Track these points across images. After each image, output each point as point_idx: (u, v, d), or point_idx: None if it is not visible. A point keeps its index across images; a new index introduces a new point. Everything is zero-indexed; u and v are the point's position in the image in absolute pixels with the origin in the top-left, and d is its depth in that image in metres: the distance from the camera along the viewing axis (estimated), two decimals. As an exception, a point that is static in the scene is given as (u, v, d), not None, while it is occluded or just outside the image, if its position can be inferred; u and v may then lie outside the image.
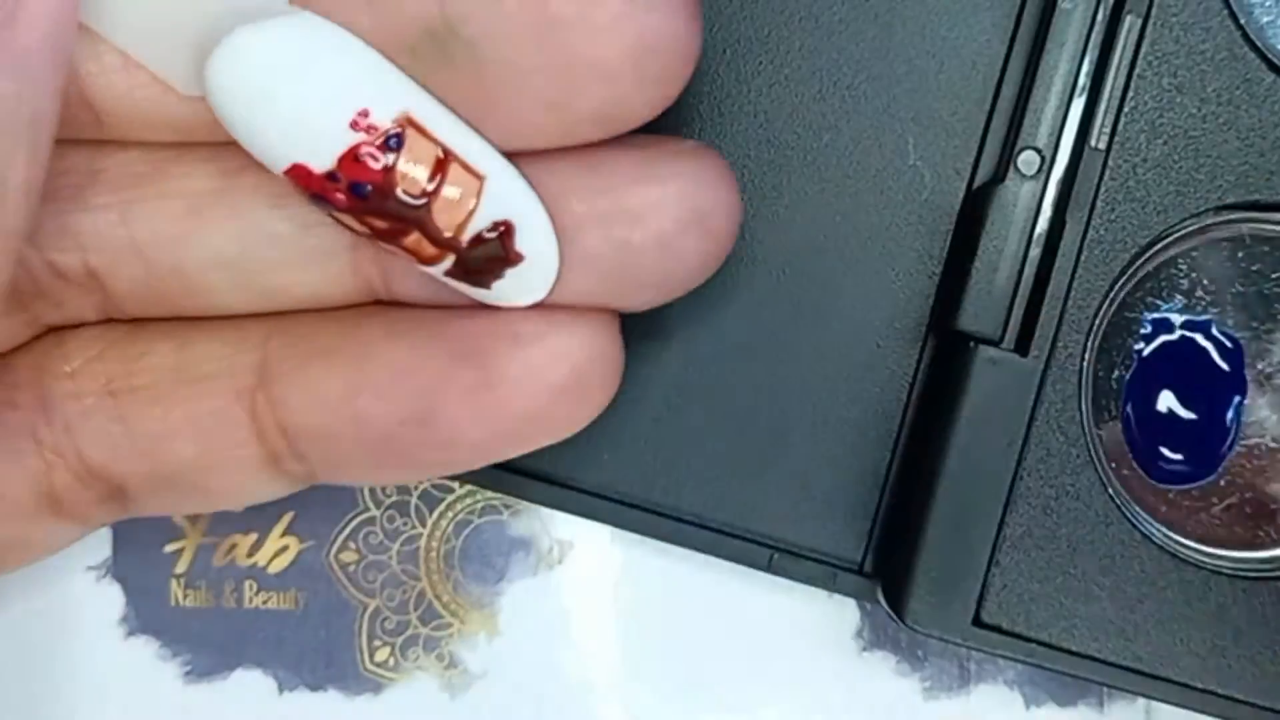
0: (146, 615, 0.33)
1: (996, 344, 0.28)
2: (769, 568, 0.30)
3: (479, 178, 0.23)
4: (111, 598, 0.33)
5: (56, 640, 0.32)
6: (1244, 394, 0.29)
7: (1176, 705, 0.29)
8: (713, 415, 0.30)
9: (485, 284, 0.24)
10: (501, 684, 0.33)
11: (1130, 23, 0.28)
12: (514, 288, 0.24)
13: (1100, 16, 0.28)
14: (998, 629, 0.28)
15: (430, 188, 0.23)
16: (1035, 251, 0.28)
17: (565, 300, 0.24)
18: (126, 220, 0.25)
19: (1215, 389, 0.29)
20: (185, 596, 0.33)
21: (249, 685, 0.33)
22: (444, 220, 0.23)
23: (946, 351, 0.29)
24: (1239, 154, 0.28)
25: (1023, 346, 0.28)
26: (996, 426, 0.28)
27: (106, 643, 0.32)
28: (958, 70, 0.30)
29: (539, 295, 0.24)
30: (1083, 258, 0.28)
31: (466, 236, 0.23)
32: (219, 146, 0.24)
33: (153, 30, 0.22)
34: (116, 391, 0.26)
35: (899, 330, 0.30)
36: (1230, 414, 0.29)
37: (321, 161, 0.22)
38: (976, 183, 0.30)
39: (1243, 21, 0.28)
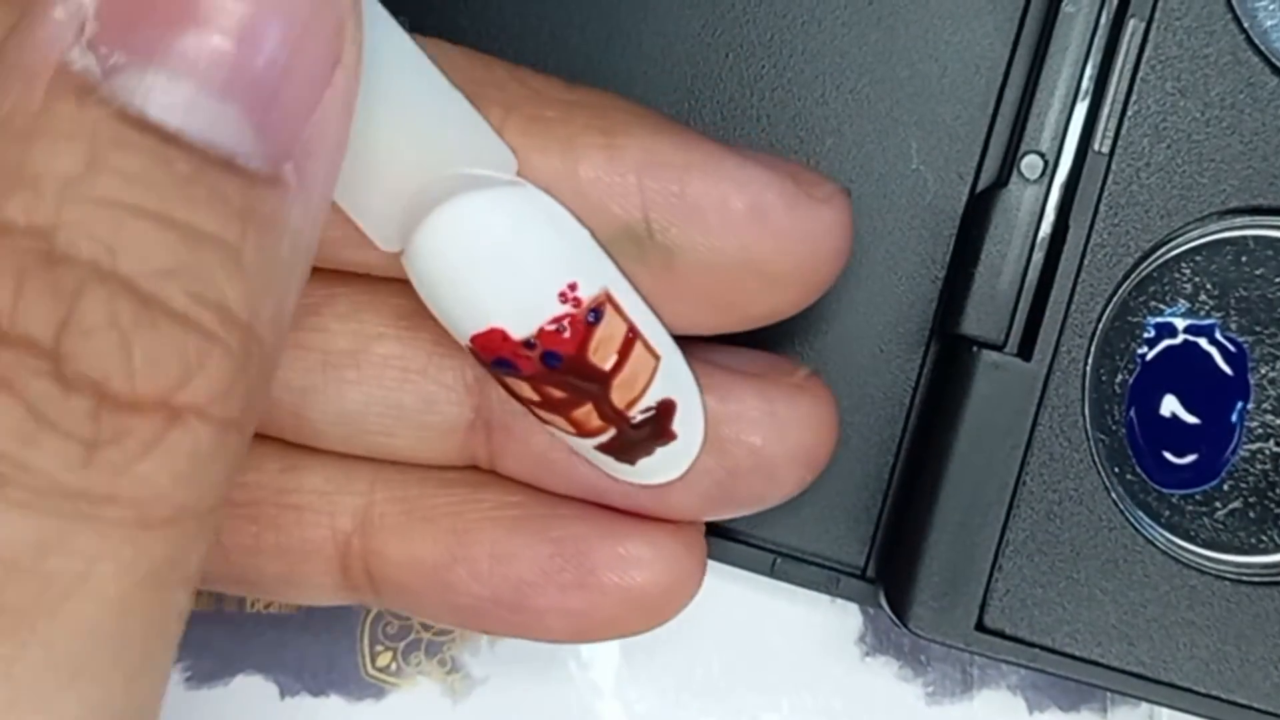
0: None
1: (999, 348, 0.28)
2: (771, 572, 0.30)
3: (656, 357, 0.24)
4: (113, 603, 0.32)
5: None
6: (1247, 398, 0.29)
7: (1180, 710, 0.29)
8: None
9: (633, 460, 0.25)
10: (504, 689, 0.33)
11: (1134, 26, 0.28)
12: (657, 466, 0.25)
13: (1103, 20, 0.28)
14: (1001, 634, 0.28)
15: (617, 364, 0.23)
16: (1038, 256, 0.28)
17: (667, 510, 0.26)
18: None
19: (1219, 393, 0.29)
20: (186, 602, 0.33)
21: (250, 691, 0.33)
22: (619, 396, 0.24)
23: (949, 356, 0.29)
24: (1243, 158, 0.28)
25: (1026, 351, 0.28)
26: (999, 431, 0.28)
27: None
28: (961, 74, 0.30)
29: (672, 476, 0.25)
30: (1086, 262, 0.28)
31: (636, 412, 0.24)
32: (358, 308, 0.25)
33: (364, 183, 0.22)
34: None
35: (902, 334, 0.30)
36: (1234, 418, 0.29)
37: (523, 328, 0.22)
38: (979, 187, 0.30)
39: (1246, 25, 0.28)
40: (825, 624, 0.33)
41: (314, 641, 0.33)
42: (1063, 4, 0.28)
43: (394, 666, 0.33)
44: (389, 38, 0.22)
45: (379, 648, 0.33)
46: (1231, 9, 0.28)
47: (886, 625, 0.32)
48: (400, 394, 0.26)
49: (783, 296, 0.24)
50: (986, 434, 0.28)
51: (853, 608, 0.32)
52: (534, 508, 0.26)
